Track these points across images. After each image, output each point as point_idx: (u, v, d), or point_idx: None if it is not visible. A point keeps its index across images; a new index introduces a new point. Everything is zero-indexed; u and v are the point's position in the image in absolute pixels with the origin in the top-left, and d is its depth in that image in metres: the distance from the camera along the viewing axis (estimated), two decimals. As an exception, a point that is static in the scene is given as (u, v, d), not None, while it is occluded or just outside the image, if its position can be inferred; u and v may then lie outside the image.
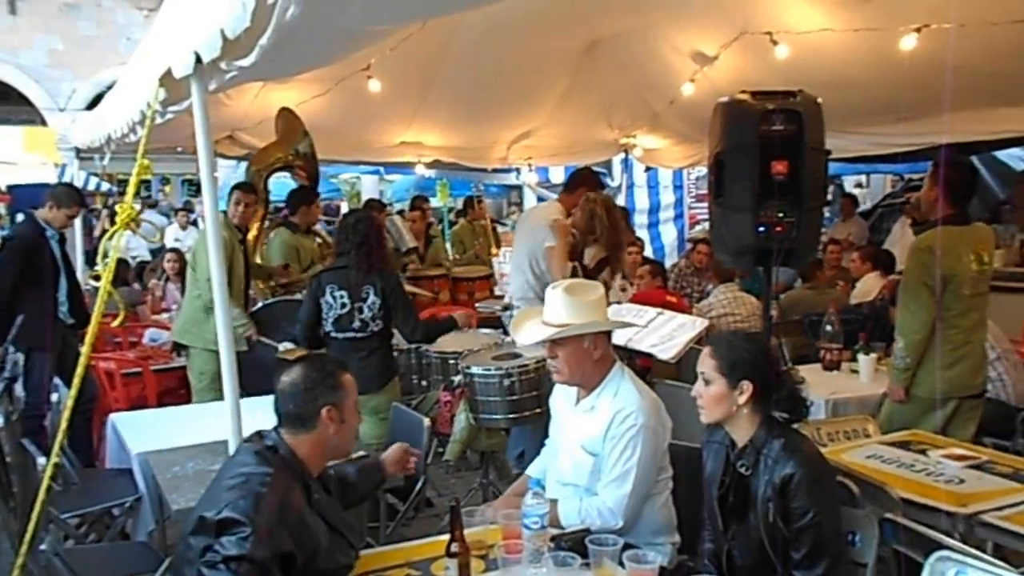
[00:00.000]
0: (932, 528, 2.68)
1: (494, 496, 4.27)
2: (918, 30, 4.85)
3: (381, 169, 11.72)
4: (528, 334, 2.77)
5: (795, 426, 3.35)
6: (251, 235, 5.72)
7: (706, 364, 2.43)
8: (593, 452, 2.65)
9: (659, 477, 2.69)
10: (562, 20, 5.83)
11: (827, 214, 11.39)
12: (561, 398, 2.90)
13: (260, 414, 2.47)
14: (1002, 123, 6.04)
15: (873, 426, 3.63)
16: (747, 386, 2.37)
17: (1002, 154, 9.59)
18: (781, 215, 3.40)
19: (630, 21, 6.05)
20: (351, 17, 2.40)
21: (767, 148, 3.38)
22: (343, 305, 4.26)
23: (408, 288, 6.26)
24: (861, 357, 4.56)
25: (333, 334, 4.31)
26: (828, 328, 4.84)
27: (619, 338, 3.86)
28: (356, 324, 4.26)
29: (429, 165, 8.69)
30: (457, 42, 6.03)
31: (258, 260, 6.00)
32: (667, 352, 3.62)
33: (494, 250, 9.16)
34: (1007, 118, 6.01)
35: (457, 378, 4.53)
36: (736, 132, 3.47)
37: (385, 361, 4.37)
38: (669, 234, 10.49)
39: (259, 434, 2.33)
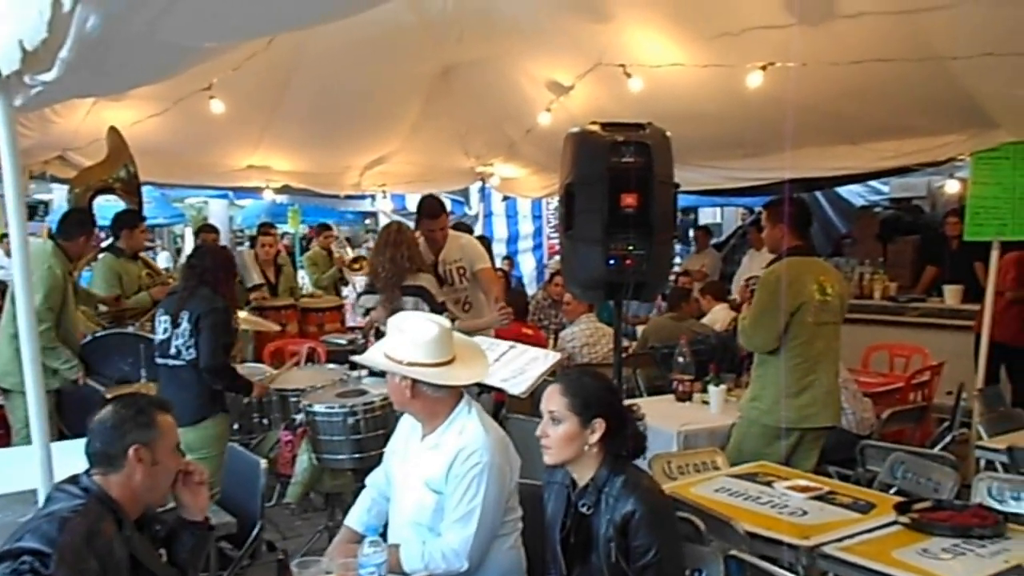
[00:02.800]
0: (777, 560, 2.69)
1: (341, 540, 4.05)
2: (763, 68, 5.01)
3: (230, 194, 11.21)
4: (373, 362, 2.66)
5: (648, 459, 3.35)
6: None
7: (556, 402, 2.33)
8: (437, 490, 2.51)
9: (507, 518, 2.56)
10: (415, 45, 5.73)
11: (683, 245, 11.83)
12: (407, 433, 2.74)
13: (83, 458, 2.24)
14: (841, 160, 6.32)
15: (722, 458, 3.63)
16: (599, 424, 2.30)
17: (843, 190, 10.19)
18: (631, 248, 3.36)
19: (484, 49, 6.02)
20: (167, 32, 2.20)
21: (617, 180, 3.34)
22: (164, 330, 4.10)
23: (253, 319, 5.96)
24: (711, 388, 4.60)
25: (157, 360, 4.15)
26: (680, 359, 4.88)
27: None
28: (172, 351, 4.06)
29: (278, 190, 8.34)
30: (305, 63, 5.83)
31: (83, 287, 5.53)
32: (519, 386, 3.50)
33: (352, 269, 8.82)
34: (845, 155, 6.28)
35: (299, 417, 4.27)
36: (586, 163, 3.42)
37: (204, 395, 4.04)
38: (528, 264, 10.51)
39: (74, 477, 2.17)
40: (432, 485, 2.51)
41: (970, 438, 5.04)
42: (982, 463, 4.20)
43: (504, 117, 7.20)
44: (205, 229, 8.03)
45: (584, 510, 2.30)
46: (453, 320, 4.74)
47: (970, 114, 5.16)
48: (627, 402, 2.58)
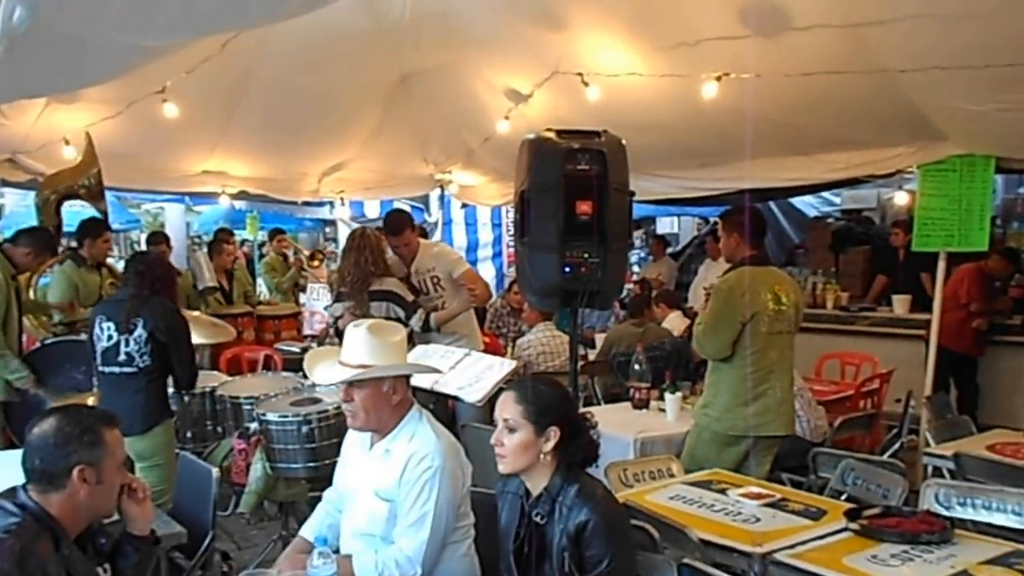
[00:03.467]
0: (730, 568, 2.70)
1: (295, 550, 4.00)
2: (719, 78, 5.06)
3: (187, 199, 11.04)
4: (325, 374, 2.58)
5: (604, 467, 3.36)
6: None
7: (511, 410, 2.31)
8: (388, 498, 2.48)
9: (460, 524, 2.54)
10: (372, 51, 5.70)
11: (642, 253, 11.91)
12: (355, 443, 2.71)
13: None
14: (794, 171, 6.41)
15: (677, 466, 3.65)
16: (554, 432, 2.29)
17: (797, 201, 10.34)
18: (586, 255, 3.37)
19: (442, 56, 6.01)
20: (103, 28, 2.14)
21: (572, 187, 3.36)
22: (109, 337, 3.97)
23: (209, 318, 5.88)
24: (668, 396, 4.62)
25: (100, 368, 4.02)
26: (636, 367, 4.90)
27: (425, 381, 3.71)
28: (122, 358, 3.95)
29: (235, 196, 8.23)
30: (261, 68, 5.77)
31: (31, 295, 5.40)
32: (474, 395, 3.49)
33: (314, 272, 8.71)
34: (798, 167, 6.37)
35: (253, 425, 4.21)
36: (541, 170, 3.43)
37: (153, 402, 3.99)
38: (487, 272, 10.47)
39: (12, 491, 2.09)
40: (383, 494, 2.49)
41: (918, 445, 5.14)
42: (929, 469, 4.28)
43: (462, 125, 7.19)
44: (155, 239, 7.86)
45: (538, 519, 2.28)
46: (428, 319, 4.76)
47: (918, 127, 5.27)
48: (581, 410, 2.57)
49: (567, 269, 3.37)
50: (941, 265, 5.71)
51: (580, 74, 5.51)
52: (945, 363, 6.04)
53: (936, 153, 5.47)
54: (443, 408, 4.28)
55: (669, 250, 10.92)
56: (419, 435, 2.51)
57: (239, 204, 9.63)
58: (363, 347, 2.50)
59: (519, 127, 6.28)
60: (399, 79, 6.57)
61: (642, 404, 4.78)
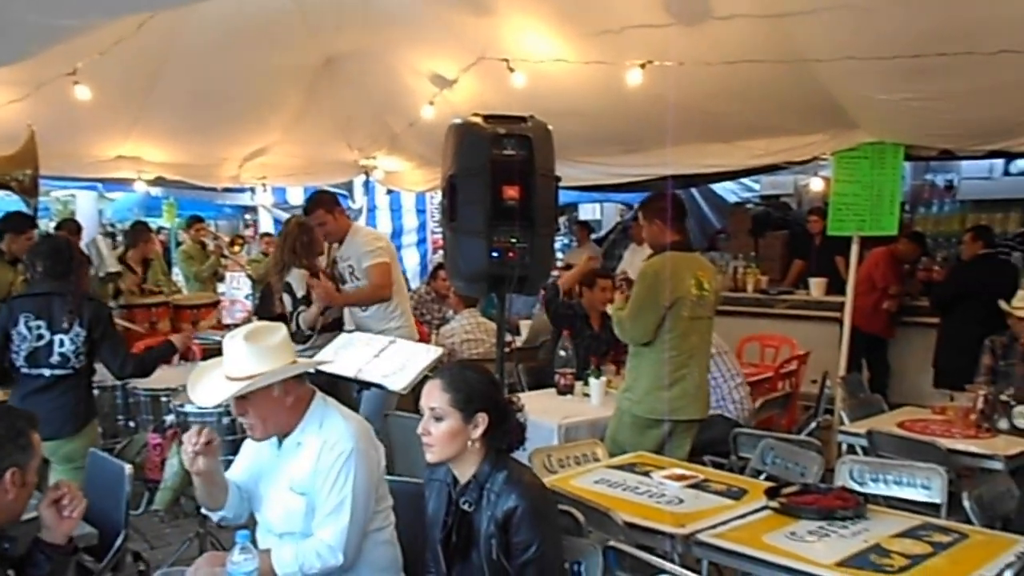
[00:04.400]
0: (654, 549, 2.74)
1: (212, 547, 3.90)
2: (643, 66, 5.11)
3: (99, 186, 10.63)
4: (209, 394, 2.44)
5: (529, 453, 3.37)
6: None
7: (438, 398, 2.28)
8: (303, 492, 2.42)
9: (379, 508, 2.51)
10: (293, 34, 5.58)
11: (566, 240, 11.97)
12: (258, 446, 2.61)
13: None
14: (715, 158, 6.52)
15: (601, 450, 3.68)
16: (482, 419, 2.27)
17: (718, 187, 10.54)
18: (514, 240, 3.36)
19: (366, 40, 5.92)
20: (15, 7, 2.04)
21: (499, 172, 3.34)
22: (39, 337, 3.72)
23: (118, 321, 5.67)
24: (592, 381, 4.66)
25: (25, 370, 3.75)
26: (562, 353, 4.93)
27: (349, 369, 3.66)
28: (55, 359, 3.73)
29: (151, 182, 7.96)
30: (179, 51, 5.58)
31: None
32: (399, 382, 3.44)
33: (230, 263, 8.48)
34: (719, 153, 6.49)
35: (169, 418, 4.08)
36: (468, 155, 3.40)
37: (84, 401, 3.85)
38: (412, 259, 10.41)
39: None
40: (298, 488, 2.43)
41: (833, 424, 5.32)
42: (844, 447, 4.43)
43: (387, 110, 7.11)
44: (65, 227, 7.55)
45: (466, 507, 2.27)
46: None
47: (833, 115, 5.42)
48: (507, 394, 2.56)
49: (495, 254, 3.35)
50: (854, 249, 5.90)
51: (506, 60, 5.49)
52: (858, 344, 6.26)
53: (849, 141, 5.65)
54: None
55: (593, 236, 11.01)
56: (328, 422, 2.46)
57: (155, 191, 9.31)
58: (244, 357, 2.40)
59: (444, 113, 6.23)
60: (322, 63, 6.45)
61: (567, 390, 4.81)
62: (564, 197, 10.81)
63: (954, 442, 3.98)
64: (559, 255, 11.79)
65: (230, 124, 6.88)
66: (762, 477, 3.59)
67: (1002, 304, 4.88)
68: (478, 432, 2.25)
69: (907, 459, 3.62)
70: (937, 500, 3.25)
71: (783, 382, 5.87)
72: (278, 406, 2.44)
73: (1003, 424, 4.18)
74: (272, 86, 6.43)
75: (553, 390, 4.90)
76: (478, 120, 3.43)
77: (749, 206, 10.29)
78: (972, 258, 6.65)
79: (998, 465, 3.77)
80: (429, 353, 3.64)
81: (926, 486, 3.29)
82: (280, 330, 2.53)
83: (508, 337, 5.80)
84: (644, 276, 3.94)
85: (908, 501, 3.32)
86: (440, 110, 6.35)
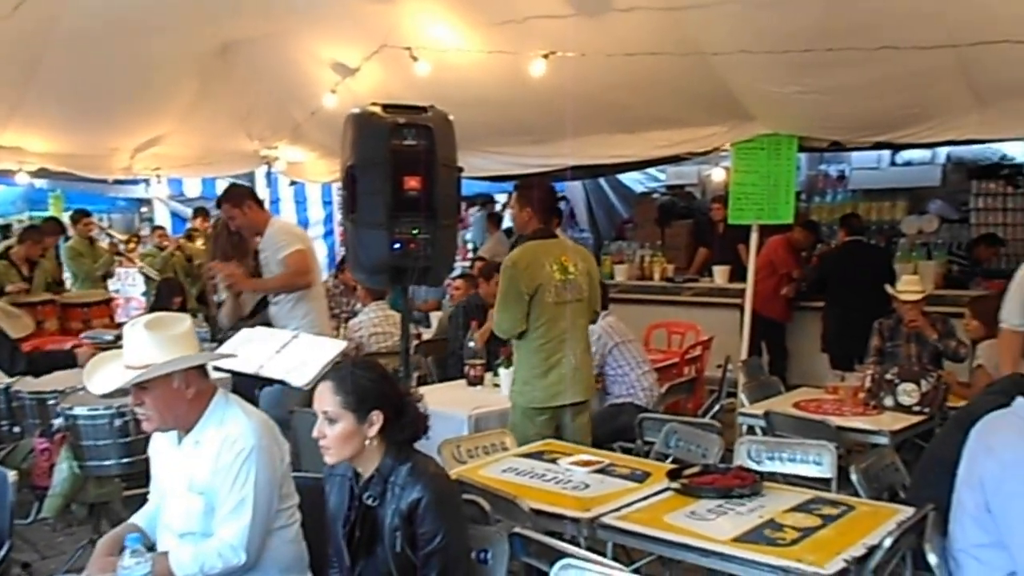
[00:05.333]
0: (561, 534, 2.78)
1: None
2: (546, 56, 5.14)
3: (-23, 178, 10.08)
4: (104, 381, 2.37)
5: (439, 445, 3.36)
6: None
7: (329, 401, 2.24)
8: (203, 491, 2.36)
9: (283, 506, 2.45)
10: (187, 18, 5.38)
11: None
12: (162, 438, 2.55)
13: None
14: (619, 148, 6.62)
15: (510, 439, 3.69)
16: (377, 416, 2.24)
17: (624, 177, 10.70)
18: (416, 232, 3.34)
19: (264, 26, 5.77)
20: None
21: (399, 163, 3.31)
22: None
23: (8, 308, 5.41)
24: (502, 371, 4.67)
25: None
26: (471, 344, 4.93)
27: (250, 366, 3.57)
28: None
29: (34, 174, 7.54)
30: (61, 34, 5.32)
31: None
32: (302, 378, 3.37)
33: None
34: (623, 144, 6.60)
35: (57, 421, 3.89)
36: (367, 145, 3.35)
37: None
38: (319, 252, 10.22)
39: None
40: (197, 487, 2.36)
41: (736, 406, 5.48)
42: (744, 428, 4.57)
43: (288, 98, 6.96)
44: None
45: (369, 502, 2.25)
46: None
47: (731, 107, 5.57)
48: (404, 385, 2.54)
49: (396, 246, 3.32)
50: (754, 237, 6.09)
51: (409, 48, 5.45)
52: (759, 328, 6.46)
53: (746, 132, 5.81)
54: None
55: (504, 226, 11.02)
56: (229, 419, 2.40)
57: (40, 182, 8.83)
58: (144, 345, 2.33)
59: (347, 101, 6.12)
60: (218, 49, 6.25)
61: (477, 381, 4.81)
62: (477, 188, 10.92)
63: (844, 420, 4.15)
64: (470, 246, 11.80)
65: (120, 112, 6.61)
66: (668, 460, 3.65)
67: (888, 289, 5.12)
68: (374, 430, 2.23)
69: (802, 437, 3.76)
70: (828, 475, 3.39)
71: (689, 367, 6.02)
72: (178, 398, 2.36)
73: (888, 401, 4.37)
74: (164, 73, 6.20)
75: (463, 381, 4.90)
76: (377, 110, 3.39)
77: (655, 196, 10.49)
78: (840, 245, 7.00)
79: (884, 440, 3.95)
80: (333, 347, 3.58)
81: (818, 462, 3.42)
82: (183, 320, 2.46)
83: (418, 328, 5.78)
84: (504, 269, 3.92)
85: (802, 477, 3.45)
86: (343, 99, 6.25)
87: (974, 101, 4.99)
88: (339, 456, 2.26)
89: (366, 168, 3.34)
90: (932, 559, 2.52)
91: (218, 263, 4.39)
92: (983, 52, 4.30)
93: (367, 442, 2.24)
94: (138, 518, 2.62)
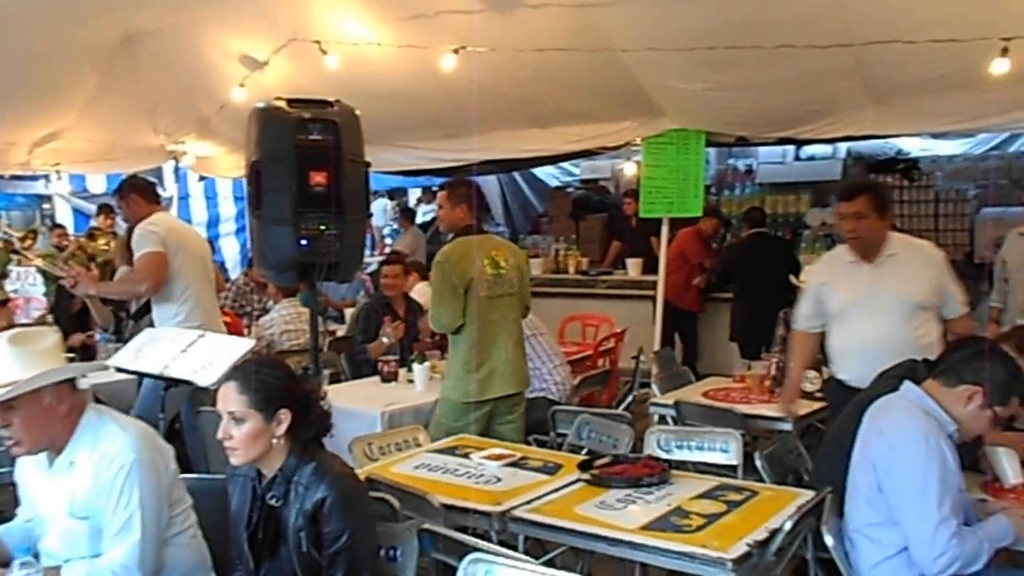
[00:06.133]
0: (473, 529, 2.79)
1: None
2: (456, 51, 5.13)
3: None
4: None
5: (350, 442, 3.33)
6: None
7: (235, 401, 2.21)
8: (85, 515, 2.24)
9: (175, 512, 2.37)
10: (87, 8, 5.17)
11: (394, 226, 11.87)
12: (29, 462, 2.39)
13: None
14: (532, 143, 6.67)
15: (423, 435, 3.68)
16: (285, 415, 2.22)
17: (539, 172, 10.79)
18: (323, 227, 3.30)
19: (169, 16, 5.60)
20: None
21: (305, 158, 3.26)
22: None
23: None
24: (416, 366, 4.66)
25: None
26: (384, 340, 4.90)
27: (154, 366, 3.48)
28: None
29: (-78, 169, 7.18)
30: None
31: None
32: (208, 378, 3.30)
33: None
34: (536, 139, 6.65)
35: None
36: (272, 140, 3.30)
37: None
38: (231, 249, 10.01)
39: None
40: (78, 511, 2.24)
41: (649, 396, 5.58)
42: (656, 418, 4.66)
43: (195, 92, 6.75)
44: None
45: (273, 502, 2.21)
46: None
47: (641, 103, 5.67)
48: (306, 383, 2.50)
49: (303, 242, 3.28)
50: (664, 230, 6.23)
51: (318, 42, 5.37)
52: (671, 319, 6.61)
53: (656, 127, 5.93)
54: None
55: (419, 220, 10.98)
56: (104, 435, 2.28)
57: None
58: (8, 362, 2.21)
59: (256, 95, 5.95)
60: (120, 40, 6.03)
61: (391, 377, 4.79)
62: (390, 182, 10.83)
63: (750, 407, 4.28)
64: (388, 241, 11.72)
65: (15, 105, 6.29)
66: (584, 452, 3.70)
67: (792, 279, 5.30)
68: (282, 429, 2.21)
69: (710, 425, 3.86)
70: (734, 462, 3.48)
71: (603, 359, 6.10)
72: (50, 415, 2.24)
73: (793, 388, 4.51)
74: (63, 64, 5.94)
75: (377, 378, 4.86)
76: (281, 104, 3.33)
77: (570, 190, 10.59)
78: (745, 238, 7.21)
79: (787, 426, 4.07)
80: (240, 345, 3.51)
81: (724, 449, 3.52)
82: (49, 335, 2.34)
83: (332, 325, 5.72)
84: (436, 265, 3.94)
85: (711, 464, 3.54)
86: (252, 93, 6.10)
87: (869, 98, 5.21)
88: (246, 457, 2.22)
89: (271, 163, 3.28)
90: (829, 540, 2.62)
91: (66, 266, 4.21)
92: (876, 52, 4.48)
93: (274, 441, 2.21)
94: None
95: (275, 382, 2.22)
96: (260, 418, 2.19)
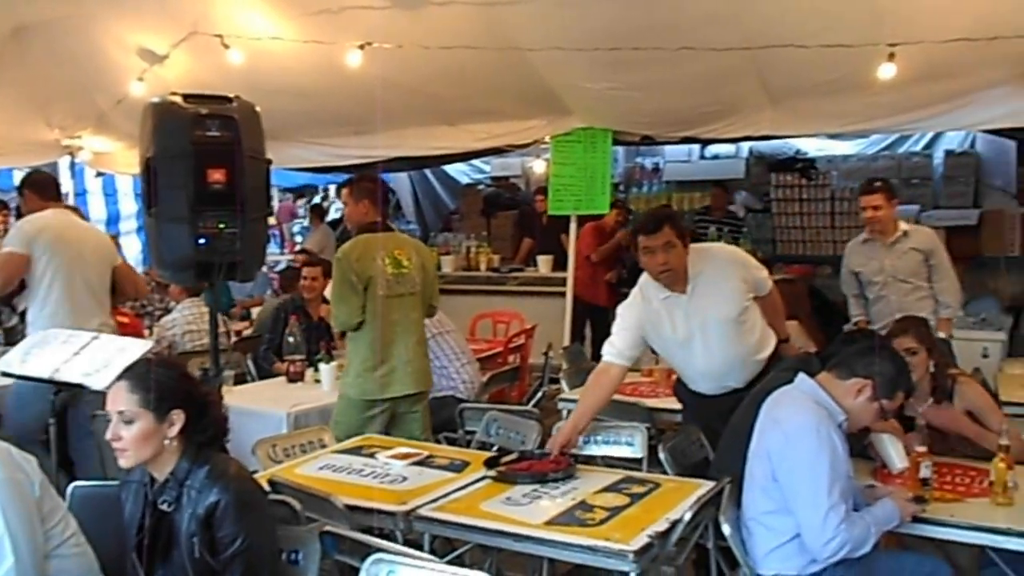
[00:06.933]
0: (380, 529, 2.77)
1: None
2: (362, 47, 5.08)
3: None
4: None
5: (253, 445, 3.26)
6: None
7: (125, 400, 2.14)
8: None
9: (51, 524, 2.21)
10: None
11: (304, 223, 11.68)
12: None
13: None
14: (441, 140, 6.68)
15: (328, 436, 3.64)
16: (178, 416, 2.16)
17: (451, 169, 10.76)
18: (222, 226, 3.21)
19: (62, 8, 5.39)
20: None
21: (202, 155, 3.17)
22: None
23: None
24: (322, 366, 4.60)
25: None
26: (290, 339, 4.82)
27: (43, 370, 3.33)
28: None
29: None
30: None
31: None
32: (101, 381, 3.17)
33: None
34: (446, 136, 6.66)
35: None
36: (168, 136, 3.19)
37: None
38: (133, 247, 9.65)
39: None
40: None
41: (559, 392, 5.63)
42: (565, 413, 4.69)
43: (92, 85, 6.52)
44: None
45: (165, 507, 2.15)
46: None
47: (549, 101, 5.74)
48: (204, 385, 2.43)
49: (201, 241, 3.19)
50: (573, 227, 6.31)
51: (220, 36, 5.24)
52: (581, 314, 6.69)
53: (564, 126, 6.01)
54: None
55: (328, 218, 10.83)
56: None
57: None
58: None
59: (157, 90, 5.78)
60: (10, 31, 5.77)
61: (297, 377, 4.71)
62: (299, 179, 10.64)
63: (657, 401, 4.37)
64: (298, 239, 11.52)
65: None
66: (494, 449, 3.70)
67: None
68: (174, 430, 2.15)
69: (617, 420, 3.91)
70: (640, 455, 3.55)
71: (513, 356, 6.13)
72: None
73: (697, 382, 4.62)
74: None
75: (283, 378, 4.78)
76: (177, 100, 3.23)
77: (481, 187, 10.61)
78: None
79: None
80: (136, 347, 3.39)
81: (630, 443, 3.59)
82: None
83: (227, 326, 5.59)
84: (336, 262, 3.90)
85: (618, 458, 3.60)
86: (152, 87, 5.92)
87: (767, 100, 5.39)
88: (137, 458, 2.15)
89: (166, 160, 3.18)
90: (726, 529, 2.70)
91: None
92: (773, 55, 4.65)
93: (166, 443, 2.16)
94: None
95: (168, 382, 2.17)
96: (151, 418, 2.13)
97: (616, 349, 3.48)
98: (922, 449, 2.82)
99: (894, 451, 2.98)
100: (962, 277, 5.09)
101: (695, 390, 3.63)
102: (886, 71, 4.58)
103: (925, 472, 2.79)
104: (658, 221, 3.36)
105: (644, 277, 3.52)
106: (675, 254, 3.32)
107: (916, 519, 2.66)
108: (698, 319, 3.42)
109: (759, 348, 3.48)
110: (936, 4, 4.34)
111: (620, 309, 3.56)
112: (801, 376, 2.80)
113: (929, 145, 8.69)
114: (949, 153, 8.32)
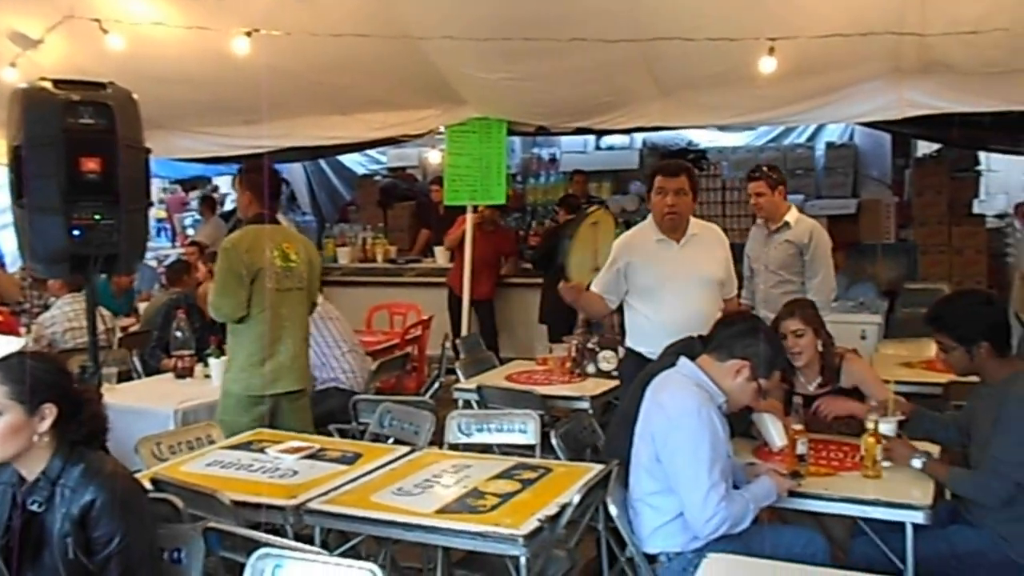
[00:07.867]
0: (271, 525, 2.72)
1: None
2: (249, 34, 4.95)
3: None
4: None
5: (136, 442, 3.14)
6: None
7: None
8: None
9: None
10: None
11: (196, 215, 11.31)
12: None
13: None
14: (335, 130, 6.58)
15: (217, 431, 3.54)
16: (50, 410, 2.07)
17: (346, 159, 10.61)
18: (98, 217, 3.09)
19: (-80, -14, 5.04)
20: None
21: (74, 143, 3.04)
22: None
23: None
24: (212, 361, 4.48)
25: None
26: (179, 335, 4.68)
27: None
28: None
29: None
30: None
31: None
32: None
33: None
34: (339, 125, 6.56)
35: None
36: (37, 124, 3.05)
37: None
38: (9, 242, 9.14)
39: None
40: None
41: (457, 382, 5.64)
42: (461, 403, 4.72)
43: (-41, 70, 6.13)
44: None
45: (35, 507, 2.06)
46: None
47: (443, 91, 5.72)
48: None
49: (76, 232, 3.05)
50: (469, 218, 6.31)
51: (98, 20, 5.02)
52: (471, 306, 6.70)
53: (458, 116, 6.00)
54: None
55: (220, 210, 10.51)
56: None
57: None
58: None
59: (32, 75, 5.41)
60: None
61: (186, 373, 4.58)
62: (191, 170, 10.28)
63: (550, 388, 4.44)
64: (190, 231, 11.14)
65: None
66: (390, 441, 3.68)
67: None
68: (45, 425, 2.06)
69: (512, 408, 3.95)
70: (533, 441, 3.59)
71: (410, 347, 6.11)
72: None
73: (591, 368, 4.72)
74: None
75: (171, 375, 4.64)
76: (47, 85, 3.09)
77: (377, 178, 10.49)
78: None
79: (584, 405, 4.26)
80: (8, 344, 3.24)
81: (523, 430, 3.62)
82: None
83: (108, 322, 5.37)
84: (223, 251, 3.80)
85: (513, 445, 3.63)
86: (26, 72, 5.59)
87: (657, 92, 5.51)
88: (3, 454, 2.05)
89: (36, 148, 3.03)
90: (613, 510, 2.76)
91: None
92: (661, 47, 4.76)
93: (35, 438, 2.06)
94: None
95: (41, 374, 2.07)
96: (21, 411, 2.04)
97: (599, 284, 3.81)
98: (799, 427, 2.95)
99: (774, 430, 3.10)
100: (842, 264, 5.31)
101: (644, 354, 3.67)
102: (767, 65, 4.75)
103: (801, 449, 2.92)
104: (679, 167, 3.79)
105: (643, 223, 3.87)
106: (684, 202, 3.68)
107: (793, 493, 2.78)
108: (684, 269, 3.71)
109: (710, 323, 3.53)
110: (814, 1, 4.52)
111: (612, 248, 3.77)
112: (683, 359, 2.88)
113: (812, 137, 9.08)
114: (830, 145, 8.70)
